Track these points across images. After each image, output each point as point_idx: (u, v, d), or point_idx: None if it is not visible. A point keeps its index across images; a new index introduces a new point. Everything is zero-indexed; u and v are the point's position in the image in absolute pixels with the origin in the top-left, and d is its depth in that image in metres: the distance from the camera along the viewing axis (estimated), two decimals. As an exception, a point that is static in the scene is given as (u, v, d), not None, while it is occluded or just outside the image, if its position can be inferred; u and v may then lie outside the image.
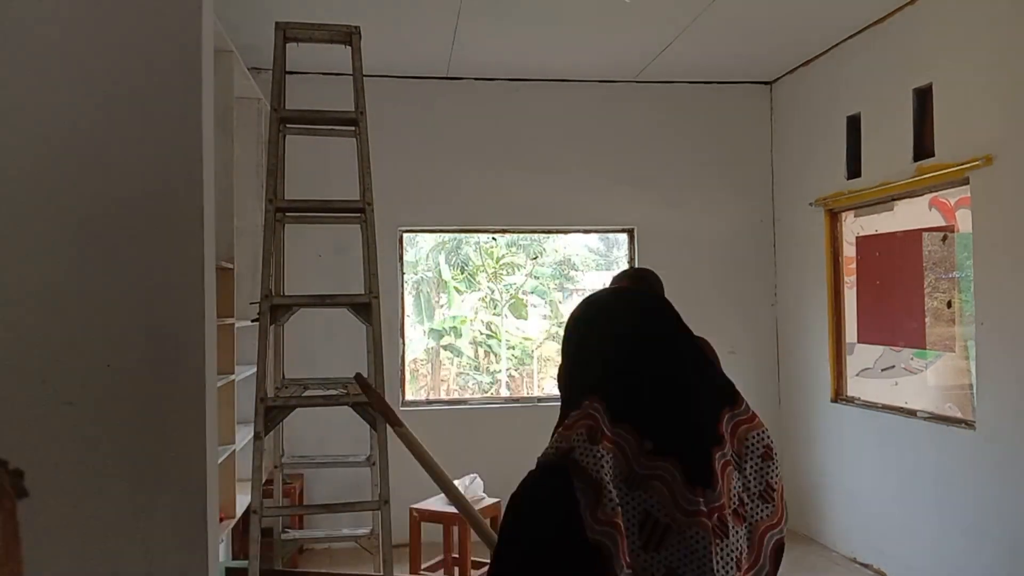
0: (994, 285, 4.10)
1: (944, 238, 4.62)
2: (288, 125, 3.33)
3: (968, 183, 4.25)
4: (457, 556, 4.69)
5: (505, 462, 5.78)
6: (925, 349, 4.77)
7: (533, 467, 1.17)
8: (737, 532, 1.12)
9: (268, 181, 3.17)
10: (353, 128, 3.28)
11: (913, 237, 4.85)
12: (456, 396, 10.86)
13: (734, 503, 1.13)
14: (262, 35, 4.35)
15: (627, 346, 1.20)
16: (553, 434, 1.17)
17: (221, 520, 3.70)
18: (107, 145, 2.09)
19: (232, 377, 4.12)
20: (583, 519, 1.07)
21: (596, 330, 1.25)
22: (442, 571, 4.83)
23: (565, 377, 1.25)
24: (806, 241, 5.85)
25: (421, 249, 11.50)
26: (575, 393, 1.19)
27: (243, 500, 4.01)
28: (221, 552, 3.84)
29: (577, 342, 1.26)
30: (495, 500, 4.86)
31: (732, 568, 1.09)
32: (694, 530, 1.07)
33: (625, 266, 6.46)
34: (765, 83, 6.34)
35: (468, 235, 9.98)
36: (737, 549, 1.11)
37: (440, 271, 11.97)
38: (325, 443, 5.52)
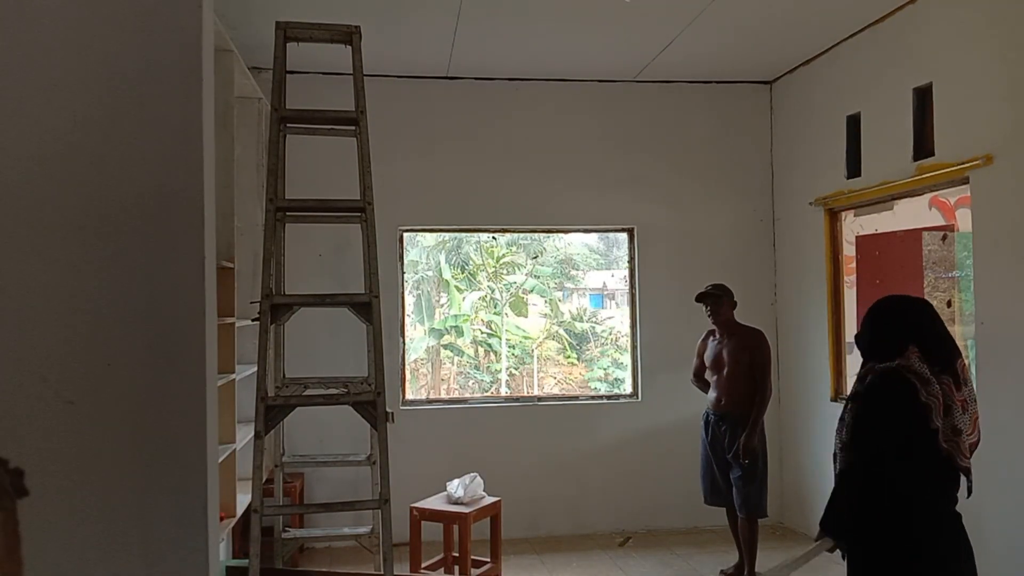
0: (994, 285, 4.10)
1: (944, 237, 4.62)
2: (288, 125, 3.33)
3: (968, 182, 4.26)
4: (457, 555, 4.69)
5: (505, 461, 5.84)
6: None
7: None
8: (966, 412, 2.46)
9: (268, 180, 3.18)
10: (353, 128, 3.28)
11: (913, 236, 4.85)
12: (456, 395, 10.87)
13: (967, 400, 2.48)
14: (262, 35, 4.36)
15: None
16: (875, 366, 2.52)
17: (221, 519, 3.70)
18: (108, 145, 2.09)
19: (232, 376, 4.12)
20: (918, 391, 2.38)
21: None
22: (442, 570, 4.83)
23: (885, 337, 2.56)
24: (806, 241, 5.86)
25: (422, 248, 11.51)
26: (897, 346, 2.50)
27: (243, 499, 4.01)
28: (221, 551, 3.84)
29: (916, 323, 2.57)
30: (495, 499, 4.86)
31: (967, 424, 2.44)
32: (957, 406, 2.43)
33: (626, 265, 6.47)
34: (765, 83, 6.35)
35: (468, 234, 9.98)
36: (969, 416, 2.46)
37: (440, 270, 11.98)
38: (325, 442, 5.53)
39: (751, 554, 4.84)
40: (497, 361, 12.34)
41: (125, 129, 2.10)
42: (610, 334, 11.81)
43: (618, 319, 10.97)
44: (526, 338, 12.44)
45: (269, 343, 3.14)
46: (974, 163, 4.14)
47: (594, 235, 10.64)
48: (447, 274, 11.99)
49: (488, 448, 5.86)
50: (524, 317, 12.41)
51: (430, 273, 11.98)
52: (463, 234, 9.78)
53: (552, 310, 12.45)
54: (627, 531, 6.01)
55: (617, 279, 11.14)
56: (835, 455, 2.61)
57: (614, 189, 6.19)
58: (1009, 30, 4.00)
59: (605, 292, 12.98)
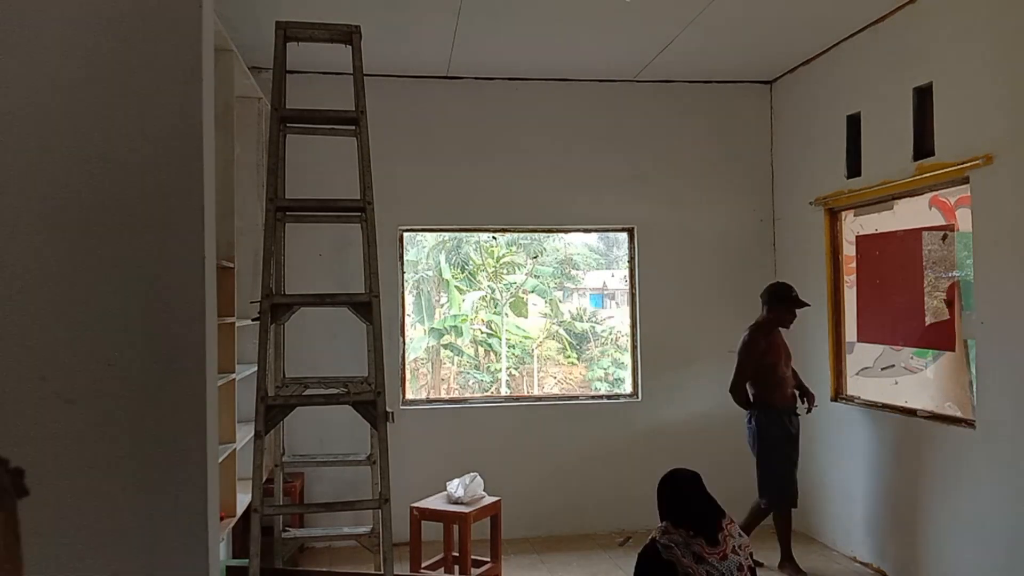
0: (994, 285, 4.11)
1: (944, 237, 4.62)
2: (288, 124, 3.33)
3: (968, 182, 4.26)
4: (457, 555, 4.69)
5: (505, 461, 5.84)
6: (925, 348, 4.77)
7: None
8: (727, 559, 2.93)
9: (268, 180, 3.18)
10: (353, 127, 3.28)
11: (913, 236, 4.85)
12: (456, 395, 10.87)
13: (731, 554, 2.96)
14: (262, 34, 4.36)
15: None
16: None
17: (222, 519, 3.70)
18: (108, 144, 2.09)
19: (233, 376, 4.12)
20: (659, 552, 2.93)
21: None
22: (442, 570, 4.83)
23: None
24: (806, 240, 5.86)
25: (422, 248, 11.51)
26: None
27: (244, 499, 4.01)
28: (222, 551, 3.84)
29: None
30: (495, 499, 4.86)
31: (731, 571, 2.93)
32: (713, 559, 2.90)
33: (626, 265, 6.47)
34: (765, 83, 6.34)
35: (468, 234, 9.98)
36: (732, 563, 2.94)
37: (440, 270, 11.98)
38: (325, 442, 5.53)
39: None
40: (497, 361, 12.33)
41: (125, 128, 2.10)
42: (610, 334, 11.80)
43: (618, 319, 10.97)
44: (526, 338, 12.44)
45: (269, 343, 3.15)
46: (974, 163, 4.14)
47: (594, 235, 10.63)
48: (447, 274, 11.99)
49: (488, 448, 5.85)
50: (524, 317, 12.40)
51: (430, 273, 11.98)
52: (463, 234, 9.78)
53: (552, 310, 12.45)
54: (627, 531, 6.00)
55: (617, 279, 11.14)
56: None
57: (614, 189, 6.19)
58: (1009, 30, 4.00)
59: (605, 292, 12.98)
